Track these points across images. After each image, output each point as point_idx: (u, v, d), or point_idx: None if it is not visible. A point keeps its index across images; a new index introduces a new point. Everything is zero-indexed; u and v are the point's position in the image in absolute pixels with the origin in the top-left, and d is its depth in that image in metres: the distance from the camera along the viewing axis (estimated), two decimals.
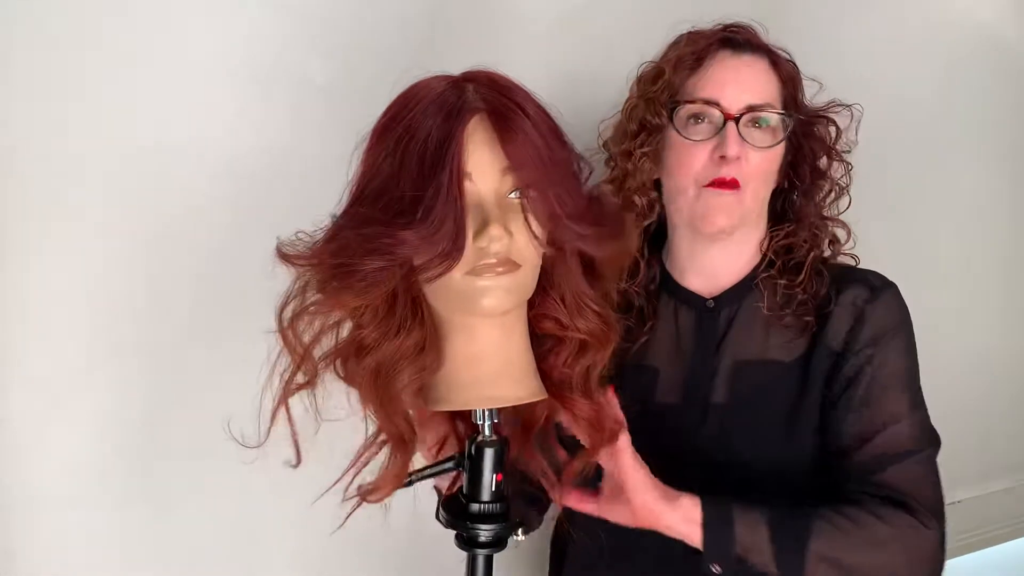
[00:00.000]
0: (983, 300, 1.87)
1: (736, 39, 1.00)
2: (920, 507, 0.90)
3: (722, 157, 0.95)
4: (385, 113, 0.77)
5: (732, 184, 0.96)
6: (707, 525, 0.85)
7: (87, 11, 0.98)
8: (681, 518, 0.86)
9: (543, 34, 1.26)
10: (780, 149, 1.00)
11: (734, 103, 0.96)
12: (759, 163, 0.97)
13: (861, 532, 0.87)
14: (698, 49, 0.99)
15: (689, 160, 0.98)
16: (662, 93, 1.00)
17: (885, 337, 0.96)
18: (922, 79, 1.70)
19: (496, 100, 0.73)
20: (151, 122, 1.02)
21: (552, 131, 0.76)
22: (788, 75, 1.01)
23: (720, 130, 0.96)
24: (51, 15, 0.96)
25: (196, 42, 1.04)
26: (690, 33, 1.03)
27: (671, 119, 0.99)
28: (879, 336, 0.96)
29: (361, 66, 1.12)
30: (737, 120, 0.95)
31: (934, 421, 1.00)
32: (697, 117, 0.98)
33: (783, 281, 1.00)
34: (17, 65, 0.95)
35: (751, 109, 0.96)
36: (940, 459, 1.00)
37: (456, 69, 0.78)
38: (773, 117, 0.98)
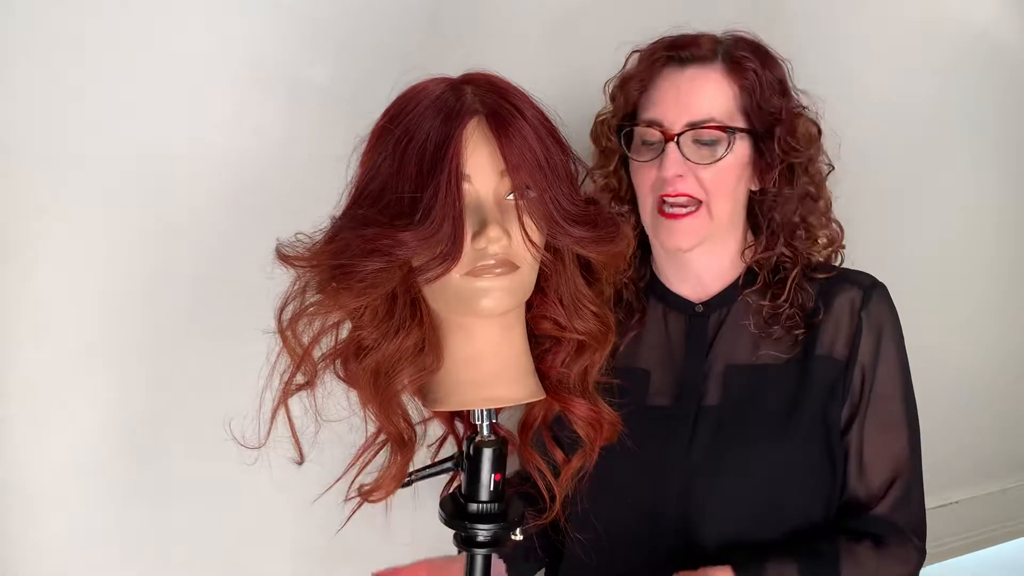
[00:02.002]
0: (979, 301, 1.87)
1: (680, 55, 0.98)
2: (915, 536, 0.99)
3: (664, 178, 0.95)
4: (384, 115, 0.78)
5: (686, 202, 0.96)
6: None
7: (86, 12, 0.98)
8: None
9: (542, 36, 1.27)
10: (735, 160, 0.97)
11: (676, 121, 0.95)
12: (712, 179, 0.96)
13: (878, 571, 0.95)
14: (642, 69, 1.00)
15: (642, 179, 0.99)
16: (613, 116, 1.02)
17: (882, 346, 0.98)
18: (918, 80, 1.71)
19: (494, 102, 0.74)
20: (150, 123, 1.02)
21: (550, 134, 0.76)
22: (749, 81, 0.97)
23: (663, 150, 0.96)
24: (50, 15, 0.97)
25: (195, 44, 1.05)
26: (638, 52, 1.02)
27: (621, 141, 1.00)
28: (875, 345, 0.98)
29: (360, 68, 1.13)
30: (678, 139, 0.95)
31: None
32: (645, 138, 0.98)
33: (766, 303, 1.00)
34: (16, 65, 0.95)
35: (692, 126, 0.95)
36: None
37: (455, 71, 0.79)
38: (715, 133, 0.95)
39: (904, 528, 0.98)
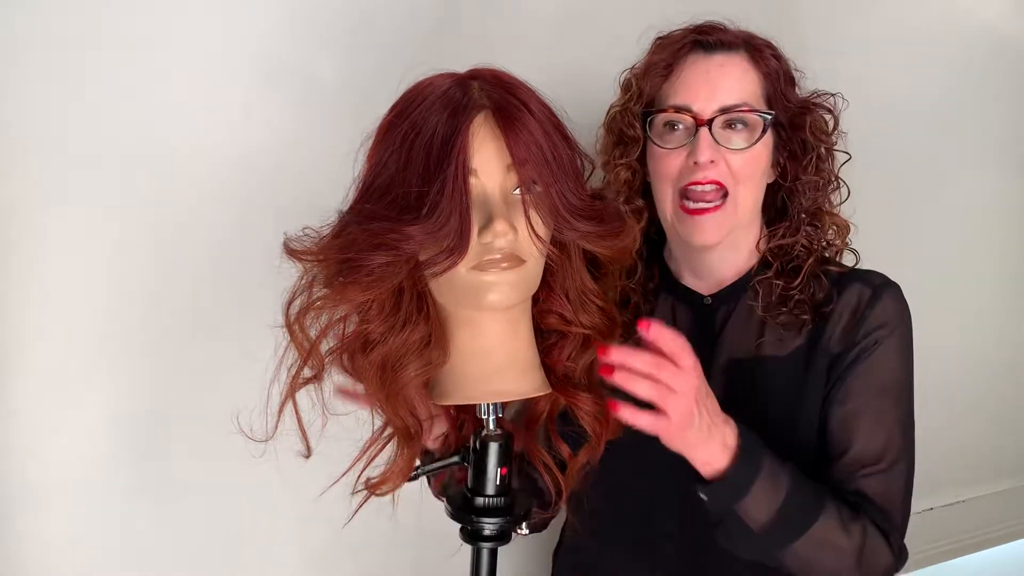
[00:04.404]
0: (987, 299, 1.86)
1: (707, 40, 0.98)
2: (893, 529, 0.92)
3: (696, 163, 0.94)
4: (391, 110, 0.78)
5: (715, 189, 0.94)
6: (728, 478, 0.83)
7: (94, 8, 0.99)
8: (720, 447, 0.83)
9: (548, 31, 1.27)
10: (764, 147, 0.98)
11: (706, 107, 0.95)
12: (742, 165, 0.95)
13: (845, 537, 0.88)
14: (668, 55, 0.98)
15: (666, 167, 0.97)
16: (635, 103, 1.00)
17: (882, 335, 0.96)
18: (926, 78, 1.70)
19: (501, 97, 0.74)
20: (158, 118, 1.03)
21: (556, 128, 0.77)
22: (771, 69, 0.98)
23: (694, 135, 0.95)
24: (60, 12, 0.97)
25: (203, 39, 1.05)
26: (660, 38, 1.02)
27: (645, 129, 0.99)
28: (875, 333, 0.96)
29: (367, 63, 1.13)
30: (710, 124, 0.94)
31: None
32: (672, 124, 0.97)
33: (780, 283, 0.99)
34: (26, 60, 0.96)
35: (724, 111, 0.94)
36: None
37: (462, 66, 0.79)
38: (749, 116, 0.96)
39: (882, 509, 0.92)
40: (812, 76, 1.06)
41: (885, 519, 0.92)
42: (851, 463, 0.93)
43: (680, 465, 0.96)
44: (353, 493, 0.85)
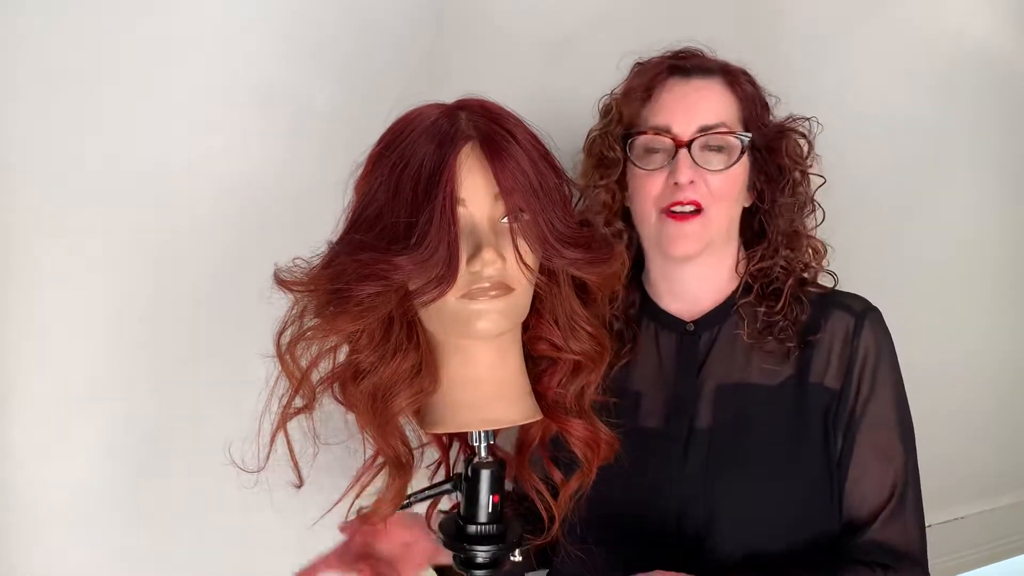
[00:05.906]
0: (984, 315, 1.86)
1: (684, 65, 1.00)
2: (915, 564, 0.96)
3: (676, 183, 0.96)
4: (380, 141, 0.79)
5: (694, 210, 0.96)
6: None
7: (91, 36, 1.00)
8: None
9: (536, 61, 1.28)
10: (741, 169, 1.00)
11: (685, 128, 0.97)
12: (720, 186, 0.97)
13: None
14: (647, 79, 1.01)
15: (648, 188, 0.99)
16: (615, 126, 1.02)
17: (877, 373, 0.98)
18: (916, 94, 1.71)
19: (488, 127, 0.75)
20: (151, 147, 1.03)
21: (543, 157, 0.77)
22: (746, 94, 1.01)
23: (673, 157, 0.97)
24: (58, 40, 0.98)
25: (197, 67, 1.06)
26: (639, 64, 1.04)
27: (626, 151, 1.01)
28: (871, 373, 0.98)
29: (358, 92, 1.14)
30: (689, 145, 0.96)
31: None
32: (652, 146, 0.99)
33: (762, 309, 1.00)
34: (23, 88, 0.97)
35: (703, 131, 0.96)
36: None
37: (451, 96, 0.80)
38: (728, 138, 0.98)
39: (903, 552, 0.96)
40: (797, 97, 1.07)
41: (907, 560, 0.95)
42: (867, 520, 0.96)
43: (672, 489, 0.96)
44: (346, 522, 0.85)
